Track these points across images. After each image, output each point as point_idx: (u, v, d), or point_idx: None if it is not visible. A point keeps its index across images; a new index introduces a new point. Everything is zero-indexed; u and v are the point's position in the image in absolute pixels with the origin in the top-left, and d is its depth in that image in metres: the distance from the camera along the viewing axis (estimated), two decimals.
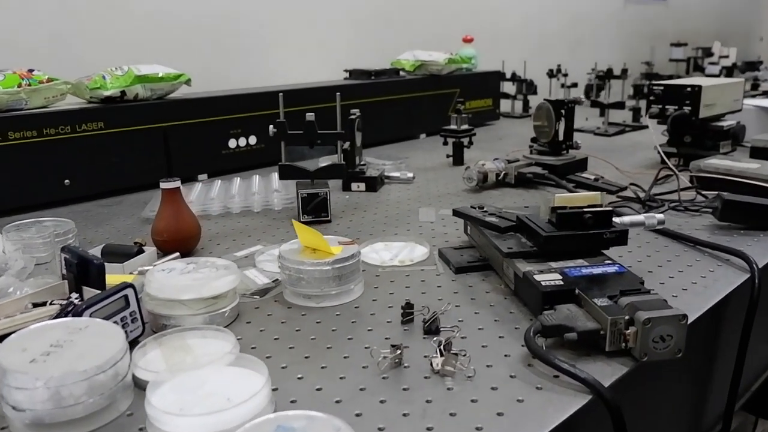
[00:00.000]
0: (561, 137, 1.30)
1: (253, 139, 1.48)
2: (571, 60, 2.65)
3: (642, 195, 1.10)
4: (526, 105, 2.36)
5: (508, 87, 2.36)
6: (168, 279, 0.69)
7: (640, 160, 1.53)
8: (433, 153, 1.66)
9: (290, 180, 1.11)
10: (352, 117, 1.25)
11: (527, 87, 2.34)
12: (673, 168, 1.16)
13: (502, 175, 1.25)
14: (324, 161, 1.36)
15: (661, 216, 0.80)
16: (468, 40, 2.11)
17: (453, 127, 1.48)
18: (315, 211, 1.06)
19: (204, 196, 1.19)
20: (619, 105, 1.95)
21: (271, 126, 1.06)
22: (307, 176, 1.07)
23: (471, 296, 0.76)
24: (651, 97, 1.37)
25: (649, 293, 0.63)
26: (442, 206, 1.16)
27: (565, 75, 2.31)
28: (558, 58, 2.51)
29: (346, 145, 1.26)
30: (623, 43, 3.39)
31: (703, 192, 1.12)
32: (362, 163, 1.32)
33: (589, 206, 0.75)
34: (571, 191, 1.17)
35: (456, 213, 0.89)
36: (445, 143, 1.50)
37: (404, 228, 1.04)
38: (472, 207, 0.89)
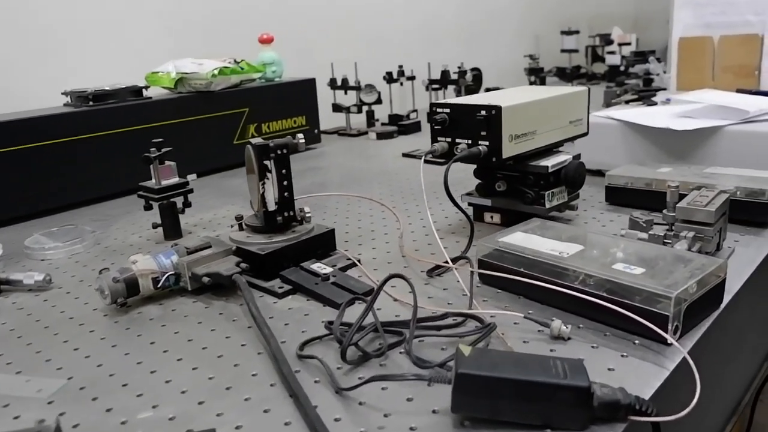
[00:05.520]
0: (271, 206, 0.77)
1: None
2: (464, 55, 2.15)
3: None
4: (370, 118, 1.85)
5: (342, 97, 1.84)
6: None
7: (451, 214, 1.02)
8: None
9: None
10: None
11: (368, 94, 1.83)
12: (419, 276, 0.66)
13: (166, 278, 0.72)
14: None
15: None
16: (265, 41, 1.57)
17: (151, 183, 0.94)
18: None
19: None
20: None
21: None
22: None
23: None
24: (436, 126, 0.86)
25: None
26: (53, 354, 0.62)
27: (411, 78, 1.80)
28: (422, 56, 2.01)
29: None
30: (521, 34, 2.92)
31: (481, 314, 0.63)
32: None
33: None
34: (256, 320, 0.64)
35: None
36: (149, 207, 0.97)
37: None
38: None
